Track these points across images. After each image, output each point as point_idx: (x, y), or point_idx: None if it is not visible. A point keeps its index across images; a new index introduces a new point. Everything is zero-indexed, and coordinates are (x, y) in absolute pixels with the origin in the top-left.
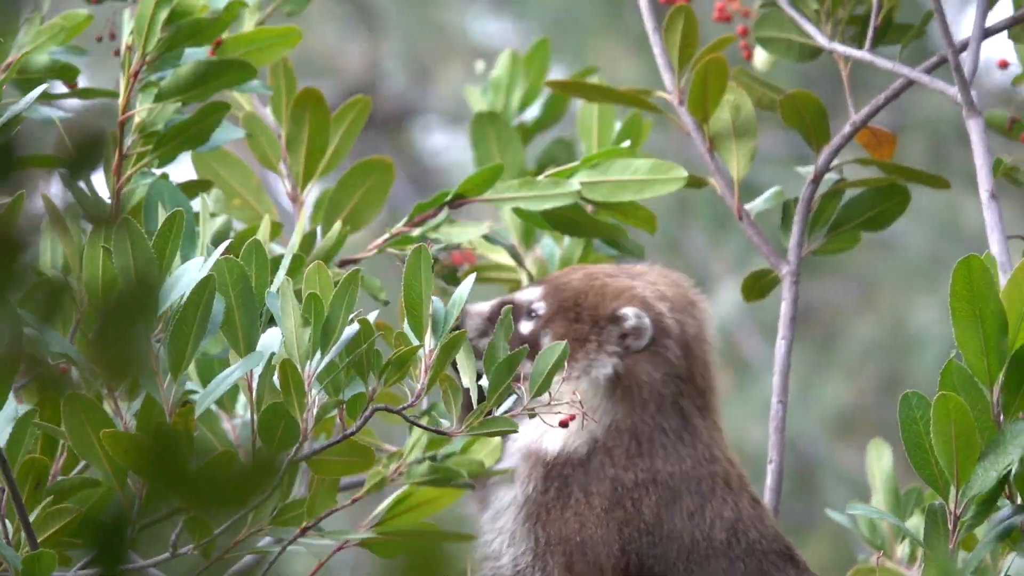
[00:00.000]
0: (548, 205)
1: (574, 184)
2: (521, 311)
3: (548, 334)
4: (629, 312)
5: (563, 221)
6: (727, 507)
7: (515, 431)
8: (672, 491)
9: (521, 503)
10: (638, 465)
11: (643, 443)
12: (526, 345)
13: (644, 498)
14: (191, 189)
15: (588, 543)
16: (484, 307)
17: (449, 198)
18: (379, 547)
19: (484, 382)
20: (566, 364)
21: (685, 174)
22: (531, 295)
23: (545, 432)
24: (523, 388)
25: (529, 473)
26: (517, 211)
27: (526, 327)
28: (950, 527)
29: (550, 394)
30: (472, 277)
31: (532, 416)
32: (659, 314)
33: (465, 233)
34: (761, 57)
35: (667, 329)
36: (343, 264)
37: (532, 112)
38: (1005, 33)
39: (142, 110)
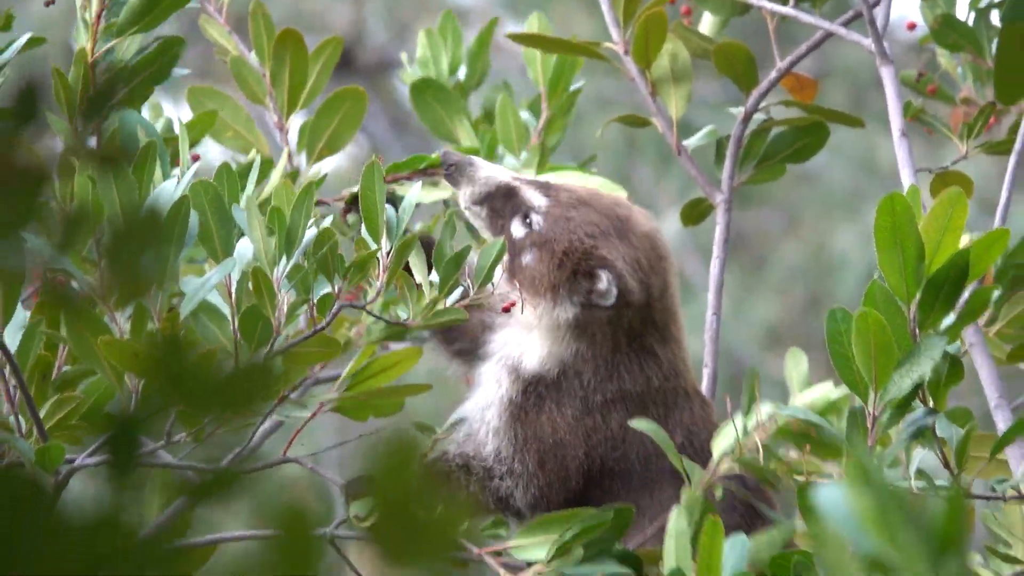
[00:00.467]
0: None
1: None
2: (520, 208)
3: (532, 255)
4: (603, 276)
5: None
6: (685, 413)
7: (465, 319)
8: (639, 405)
9: (505, 404)
10: (607, 387)
11: (610, 369)
12: (470, 245)
13: (612, 413)
14: (195, 125)
15: (558, 446)
16: (493, 180)
17: (423, 166)
18: (350, 410)
19: (435, 277)
20: (538, 294)
21: (625, 193)
22: (537, 202)
23: (524, 352)
24: (469, 282)
25: (512, 382)
26: None
27: (518, 230)
28: (869, 427)
29: (492, 285)
30: (419, 184)
31: (477, 306)
32: (627, 285)
33: (431, 196)
34: (708, 21)
35: (630, 297)
36: (318, 204)
37: (461, 74)
38: None
39: (105, 49)
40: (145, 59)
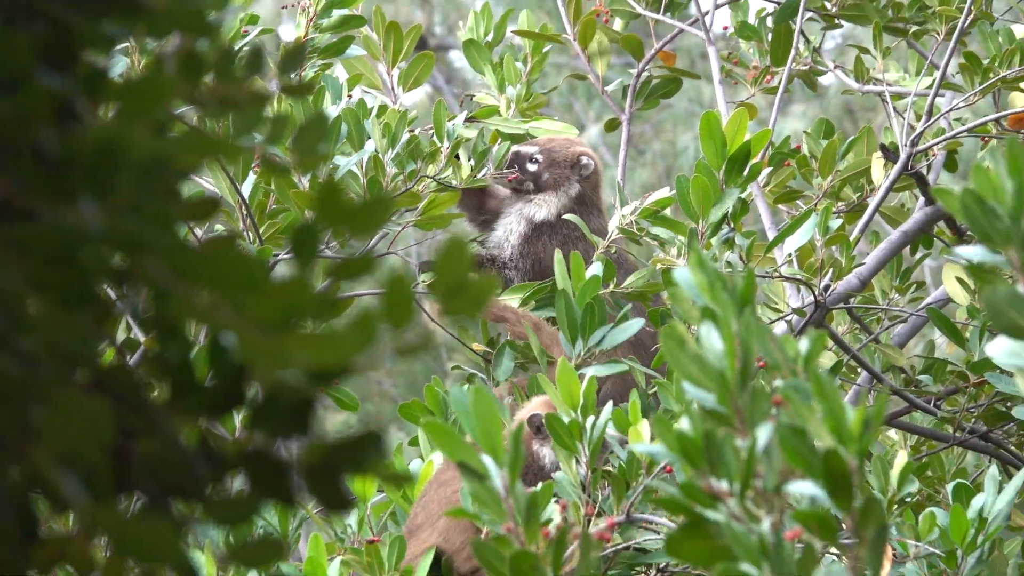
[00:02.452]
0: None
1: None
2: (527, 157)
3: (545, 172)
4: (584, 159)
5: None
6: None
7: (487, 184)
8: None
9: (520, 234)
10: (575, 229)
11: (582, 219)
12: (492, 144)
13: (579, 241)
14: (351, 80)
15: (543, 257)
16: (511, 151)
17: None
18: (424, 224)
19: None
20: (558, 185)
21: (576, 130)
22: (532, 149)
23: (537, 210)
24: (490, 168)
25: (527, 224)
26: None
27: (531, 167)
28: (699, 237)
29: (504, 170)
30: (463, 117)
31: (495, 179)
32: (592, 159)
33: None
34: (617, 22)
35: (593, 171)
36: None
37: (489, 37)
38: (727, 7)
39: (312, 37)
40: (332, 44)
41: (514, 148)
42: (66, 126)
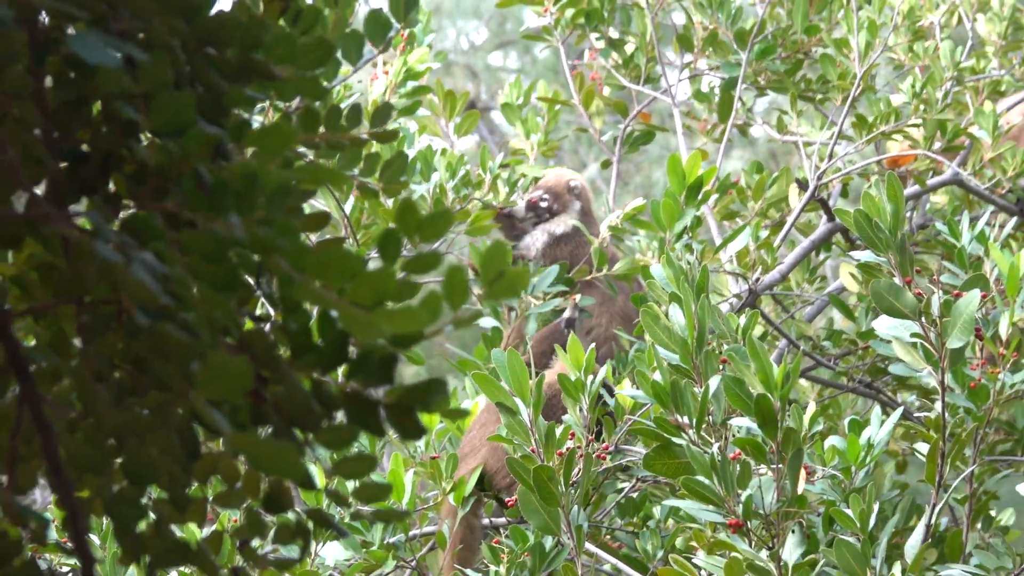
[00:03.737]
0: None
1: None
2: (539, 199)
3: (554, 203)
4: (572, 183)
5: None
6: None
7: (516, 205)
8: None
9: (544, 240)
10: (584, 237)
11: (586, 226)
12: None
13: (583, 245)
14: (421, 129)
15: (558, 257)
16: (522, 204)
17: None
18: (472, 231)
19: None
20: (564, 212)
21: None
22: (539, 193)
23: (556, 227)
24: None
25: (549, 236)
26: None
27: (544, 204)
28: (667, 244)
29: (531, 200)
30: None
31: (524, 204)
32: (579, 182)
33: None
34: (608, 90)
35: (582, 187)
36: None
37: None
38: (688, 81)
39: (392, 100)
40: (407, 108)
41: (528, 198)
42: (218, 161)
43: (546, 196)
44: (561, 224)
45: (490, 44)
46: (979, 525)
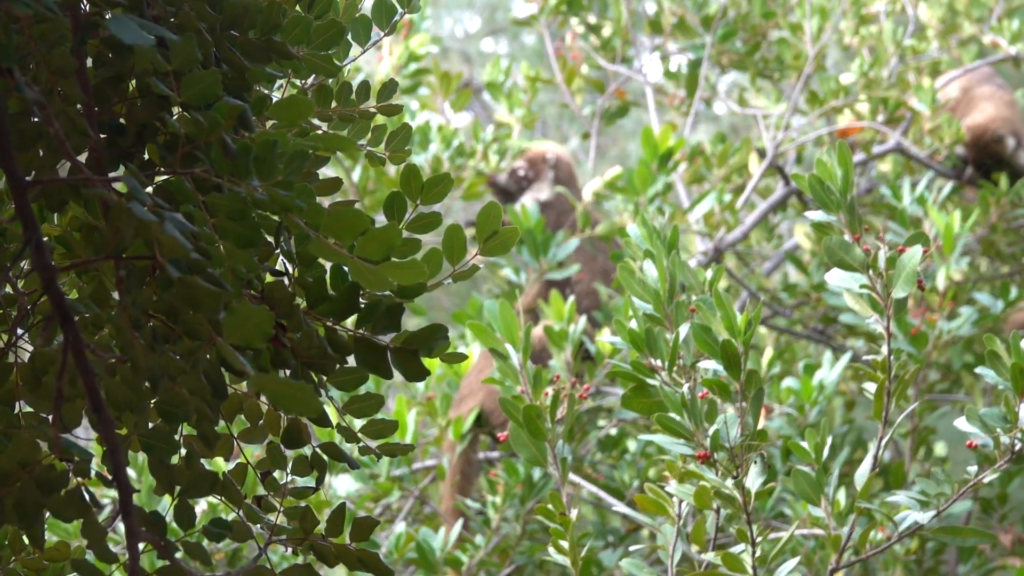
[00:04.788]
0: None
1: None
2: (519, 170)
3: (530, 172)
4: (548, 155)
5: None
6: None
7: (505, 180)
8: None
9: (532, 207)
10: (567, 203)
11: (571, 196)
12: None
13: (567, 210)
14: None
15: (545, 222)
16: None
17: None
18: (468, 196)
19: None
20: (537, 177)
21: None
22: (520, 164)
23: (538, 193)
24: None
25: (535, 202)
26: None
27: (522, 174)
28: (640, 207)
29: (512, 169)
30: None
31: (510, 174)
32: (556, 155)
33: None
34: (585, 69)
35: (559, 159)
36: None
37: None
38: (659, 61)
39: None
40: (409, 87)
41: (514, 168)
42: (242, 131)
43: (524, 167)
44: (542, 192)
45: (482, 32)
46: (920, 456)
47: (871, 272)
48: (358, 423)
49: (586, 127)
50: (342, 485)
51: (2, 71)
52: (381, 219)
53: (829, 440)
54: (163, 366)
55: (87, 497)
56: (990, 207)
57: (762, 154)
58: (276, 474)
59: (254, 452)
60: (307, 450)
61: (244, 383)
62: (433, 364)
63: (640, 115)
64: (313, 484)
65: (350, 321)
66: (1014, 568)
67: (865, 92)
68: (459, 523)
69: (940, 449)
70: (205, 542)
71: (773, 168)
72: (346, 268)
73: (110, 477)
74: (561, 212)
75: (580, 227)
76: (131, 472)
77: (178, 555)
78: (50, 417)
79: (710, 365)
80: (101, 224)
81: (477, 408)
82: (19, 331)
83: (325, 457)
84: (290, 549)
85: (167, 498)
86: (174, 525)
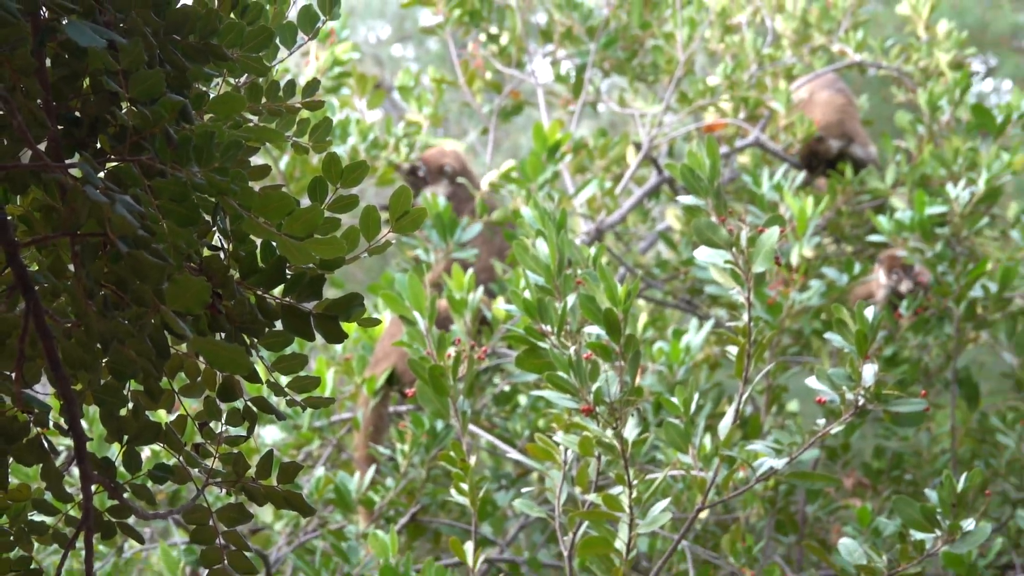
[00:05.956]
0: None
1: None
2: (419, 168)
3: (428, 175)
4: (446, 167)
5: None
6: None
7: (415, 171)
8: None
9: (441, 192)
10: (467, 193)
11: (470, 186)
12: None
13: (467, 200)
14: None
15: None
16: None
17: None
18: (380, 183)
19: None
20: (434, 180)
21: (461, 143)
22: (418, 163)
23: (436, 188)
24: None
25: (444, 192)
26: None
27: (420, 172)
28: (532, 192)
29: (411, 166)
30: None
31: (414, 167)
32: (452, 164)
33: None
34: (489, 74)
35: (455, 167)
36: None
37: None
38: (549, 66)
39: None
40: (333, 88)
41: (416, 164)
42: (183, 124)
43: (422, 168)
44: (441, 187)
45: (393, 38)
46: (775, 411)
47: (734, 250)
48: (284, 380)
49: (485, 123)
50: (270, 434)
51: None
52: (305, 201)
53: (696, 396)
54: (113, 330)
55: (46, 445)
56: (837, 194)
57: (638, 147)
58: (212, 424)
59: (193, 405)
60: (239, 403)
61: (185, 345)
62: (350, 328)
63: (532, 113)
64: (244, 433)
65: (278, 290)
66: (855, 507)
67: (728, 93)
68: (372, 468)
69: (792, 405)
70: (150, 484)
71: (648, 159)
72: (274, 244)
73: (66, 427)
74: (461, 201)
75: (479, 214)
76: (84, 423)
77: (126, 495)
78: (13, 375)
79: (594, 330)
80: (59, 205)
81: (390, 369)
82: None
83: (255, 409)
84: (224, 490)
85: (116, 445)
86: (123, 469)
